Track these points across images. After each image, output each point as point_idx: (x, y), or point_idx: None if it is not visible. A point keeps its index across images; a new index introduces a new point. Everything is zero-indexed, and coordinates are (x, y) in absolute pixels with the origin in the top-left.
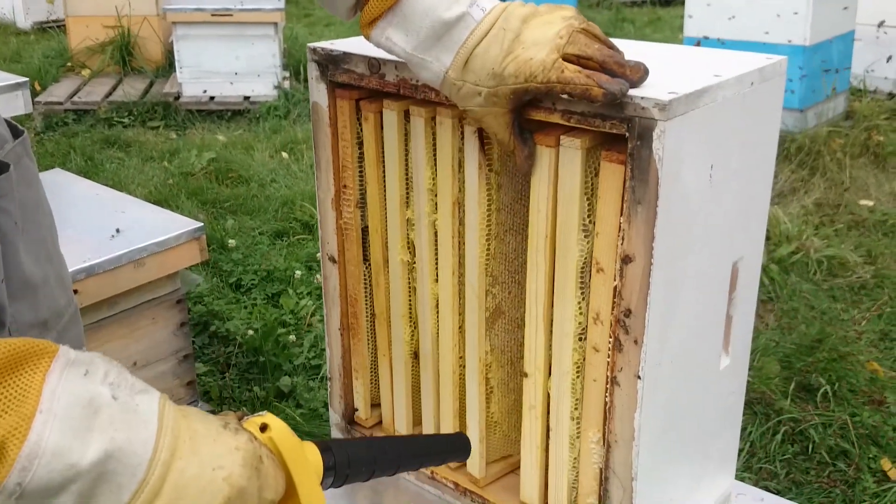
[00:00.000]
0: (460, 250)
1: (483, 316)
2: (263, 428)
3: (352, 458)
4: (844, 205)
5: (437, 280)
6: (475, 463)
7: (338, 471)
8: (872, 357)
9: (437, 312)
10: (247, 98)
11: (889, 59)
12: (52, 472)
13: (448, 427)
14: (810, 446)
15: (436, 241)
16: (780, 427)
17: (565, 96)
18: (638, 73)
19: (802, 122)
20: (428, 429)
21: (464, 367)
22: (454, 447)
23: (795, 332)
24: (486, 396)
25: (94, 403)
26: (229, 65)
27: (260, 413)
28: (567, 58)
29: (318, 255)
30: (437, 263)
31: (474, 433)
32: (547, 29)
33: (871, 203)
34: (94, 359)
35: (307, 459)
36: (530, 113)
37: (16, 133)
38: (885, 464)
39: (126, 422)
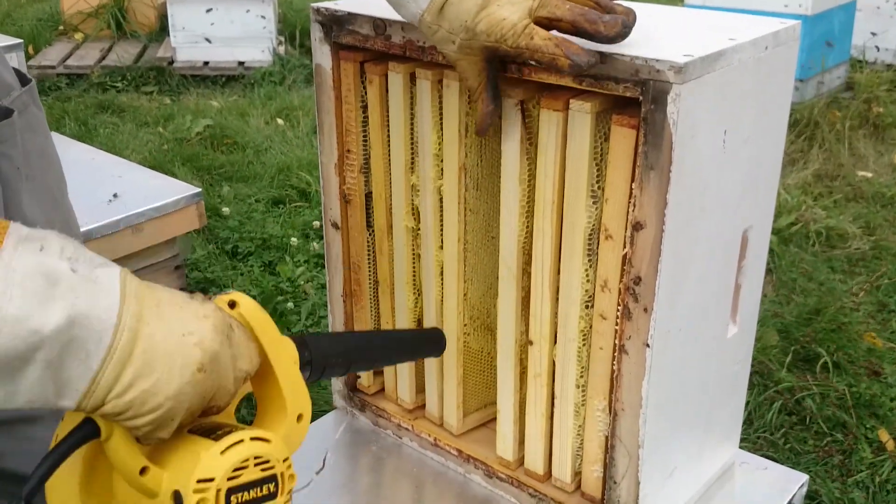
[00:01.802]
0: (465, 217)
1: (520, 296)
2: (232, 305)
3: (327, 353)
4: (843, 176)
5: (441, 247)
6: (508, 446)
7: (314, 364)
8: (870, 328)
9: (442, 280)
10: (241, 63)
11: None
12: (15, 338)
13: (451, 396)
14: (808, 416)
15: (441, 207)
16: (778, 397)
17: (533, 63)
18: (615, 28)
19: (802, 92)
20: (432, 402)
21: (468, 334)
22: (429, 343)
23: (794, 302)
24: (520, 379)
25: (52, 275)
26: (224, 29)
27: (227, 291)
28: (539, 21)
29: (315, 222)
30: (441, 230)
31: (508, 416)
32: None
33: (869, 175)
34: (48, 235)
35: (281, 338)
36: (541, 76)
37: (24, 81)
38: (883, 434)
39: (87, 290)
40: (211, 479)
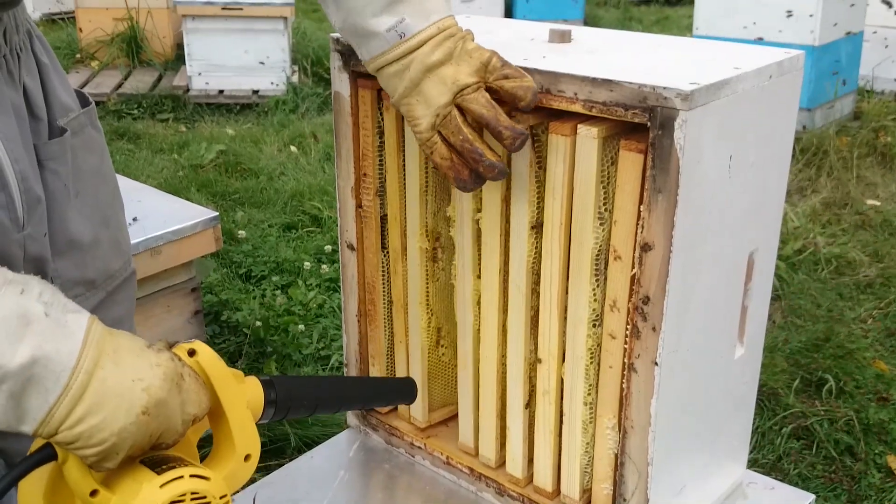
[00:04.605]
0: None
1: (529, 315)
2: (191, 353)
3: (293, 394)
4: (851, 204)
5: (479, 276)
6: (517, 464)
7: (279, 404)
8: (878, 355)
9: (479, 309)
10: (255, 92)
11: None
12: None
13: (490, 428)
14: (817, 442)
15: (479, 238)
16: (786, 422)
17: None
18: (491, 173)
19: (810, 121)
20: (466, 429)
21: (506, 365)
22: (400, 391)
23: (802, 329)
24: (528, 398)
25: (26, 317)
26: (239, 58)
27: (190, 340)
28: (441, 134)
29: (327, 247)
30: (479, 260)
31: (517, 431)
32: (438, 91)
33: (877, 203)
34: (30, 280)
35: (234, 384)
36: (551, 103)
37: (84, 103)
38: (891, 460)
39: (54, 334)
40: None
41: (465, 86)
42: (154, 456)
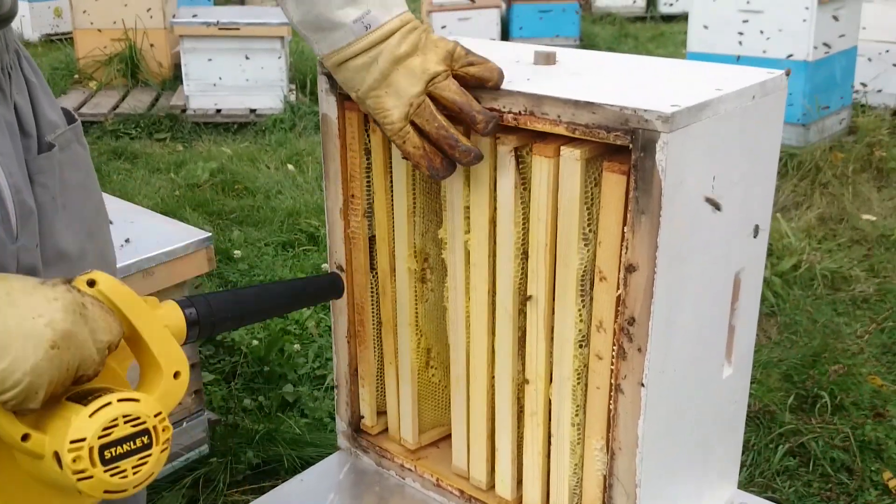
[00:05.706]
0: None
1: (516, 336)
2: (91, 283)
3: (214, 309)
4: (847, 219)
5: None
6: (506, 486)
7: (202, 322)
8: (875, 370)
9: (468, 332)
10: (253, 111)
11: None
12: None
13: (481, 451)
14: (813, 459)
15: (468, 260)
16: (782, 440)
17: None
18: (467, 157)
19: (805, 137)
20: (459, 453)
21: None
22: (324, 288)
23: (798, 345)
24: (517, 417)
25: None
26: (236, 78)
27: (87, 272)
28: (413, 125)
29: (323, 265)
30: (468, 283)
31: (505, 453)
32: (409, 82)
33: (873, 218)
34: None
35: (144, 307)
36: (535, 125)
37: (70, 120)
38: (888, 477)
39: None
40: (83, 439)
41: (435, 74)
42: (80, 391)
